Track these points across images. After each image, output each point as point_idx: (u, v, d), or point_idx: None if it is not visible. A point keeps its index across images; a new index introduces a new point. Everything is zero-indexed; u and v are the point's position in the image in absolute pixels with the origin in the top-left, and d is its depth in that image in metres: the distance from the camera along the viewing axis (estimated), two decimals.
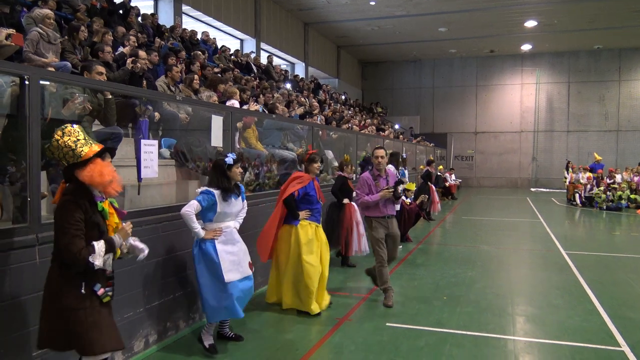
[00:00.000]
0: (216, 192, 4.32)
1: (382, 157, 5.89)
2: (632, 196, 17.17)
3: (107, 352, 2.93)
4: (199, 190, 4.36)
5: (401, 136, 21.31)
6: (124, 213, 3.30)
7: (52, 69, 5.33)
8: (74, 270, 2.84)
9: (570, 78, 26.00)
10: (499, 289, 6.65)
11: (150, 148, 4.37)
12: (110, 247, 2.93)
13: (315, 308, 5.51)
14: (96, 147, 2.95)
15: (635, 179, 18.05)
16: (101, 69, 4.70)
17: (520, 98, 26.87)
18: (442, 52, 26.46)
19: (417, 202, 10.38)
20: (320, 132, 10.47)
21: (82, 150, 2.90)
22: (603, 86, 25.42)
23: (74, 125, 3.01)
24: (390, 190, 5.79)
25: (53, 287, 2.88)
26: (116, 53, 7.89)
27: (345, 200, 7.62)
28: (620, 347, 4.65)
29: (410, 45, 25.03)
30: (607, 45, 24.52)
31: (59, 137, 2.92)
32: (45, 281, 2.92)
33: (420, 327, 5.16)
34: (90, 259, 2.80)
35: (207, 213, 4.33)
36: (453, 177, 21.56)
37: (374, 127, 16.65)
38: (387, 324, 5.23)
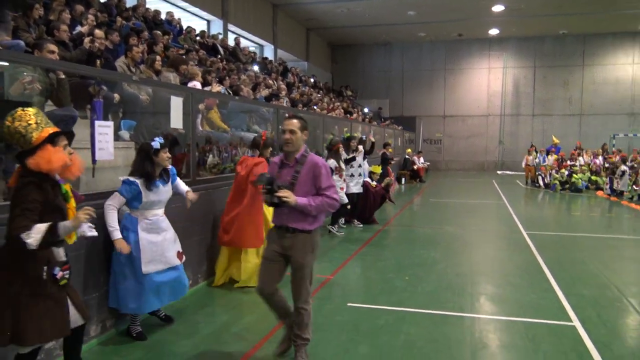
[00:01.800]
0: (139, 182, 4.12)
1: (291, 131, 3.71)
2: (593, 178, 17.68)
3: (48, 341, 2.94)
4: (121, 178, 4.15)
5: (367, 119, 21.36)
6: (81, 198, 3.23)
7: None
8: (22, 252, 2.75)
9: (536, 62, 26.42)
10: (460, 269, 6.79)
11: (104, 129, 4.26)
12: (53, 232, 2.79)
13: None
14: (45, 133, 2.85)
15: (597, 161, 18.58)
16: (52, 47, 4.54)
17: (488, 82, 27.20)
18: (411, 35, 26.51)
19: (383, 184, 10.47)
20: (287, 115, 10.41)
21: (32, 136, 2.81)
22: (567, 71, 25.93)
23: (27, 109, 2.91)
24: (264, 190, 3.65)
25: (12, 271, 2.81)
26: (74, 32, 7.68)
27: None
28: (572, 322, 4.81)
29: (380, 29, 24.99)
30: (572, 31, 24.95)
31: (10, 123, 2.84)
32: None
33: (381, 307, 5.23)
34: (22, 236, 2.68)
35: (132, 202, 4.16)
36: (421, 160, 21.79)
37: (342, 110, 16.63)
38: (348, 304, 5.29)
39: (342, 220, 9.51)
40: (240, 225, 5.68)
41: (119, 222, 4.17)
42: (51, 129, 2.91)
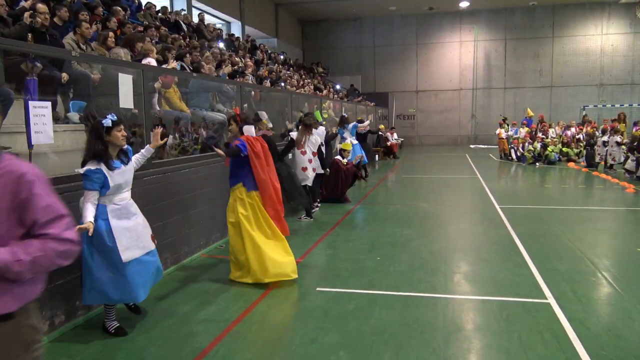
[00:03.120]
0: (100, 167, 3.78)
1: None
2: (564, 149, 17.75)
3: None
4: (80, 171, 3.76)
5: (339, 95, 21.03)
6: None
7: None
8: None
9: (507, 35, 26.29)
10: (433, 247, 6.61)
11: (41, 110, 3.87)
12: None
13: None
14: None
15: (568, 133, 18.65)
16: None
17: (459, 56, 27.02)
18: (381, 9, 26.06)
19: (354, 161, 10.22)
20: (253, 93, 10.03)
21: None
22: (537, 43, 25.88)
23: None
24: None
25: None
26: (16, 7, 7.14)
27: None
28: (547, 299, 4.67)
29: (349, 3, 24.47)
30: (542, 2, 24.85)
31: None
32: None
33: (351, 290, 5.01)
34: None
35: (101, 189, 3.83)
36: (395, 136, 21.60)
37: (311, 87, 16.25)
38: (318, 289, 5.05)
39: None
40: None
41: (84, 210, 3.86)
42: None
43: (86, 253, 3.84)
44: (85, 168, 3.77)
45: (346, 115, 13.05)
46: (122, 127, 3.93)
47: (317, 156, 8.65)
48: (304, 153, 8.42)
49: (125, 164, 4.05)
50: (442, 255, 6.21)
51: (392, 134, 21.29)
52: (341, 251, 6.52)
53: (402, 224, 8.01)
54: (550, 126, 19.22)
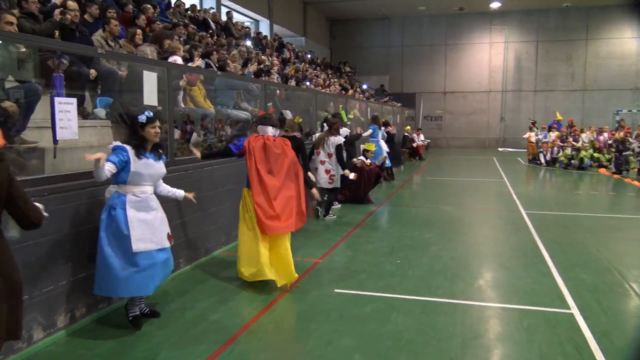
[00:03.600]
0: (129, 149, 3.91)
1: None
2: (596, 155, 17.31)
3: None
4: (111, 146, 3.92)
5: (367, 95, 20.94)
6: None
7: None
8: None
9: (539, 37, 25.80)
10: (454, 252, 6.51)
11: (66, 106, 3.94)
12: None
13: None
14: None
15: (601, 138, 18.18)
16: (11, 18, 4.20)
17: (489, 57, 26.62)
18: (411, 9, 25.85)
19: (377, 162, 10.15)
20: (278, 92, 10.05)
21: None
22: (570, 45, 25.31)
23: None
24: None
25: None
26: (49, 4, 7.29)
27: None
28: (570, 309, 4.54)
29: (379, 2, 24.34)
30: (576, 4, 24.29)
31: None
32: None
33: (368, 293, 4.96)
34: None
35: (120, 173, 3.90)
36: (421, 137, 21.43)
37: (337, 87, 16.22)
38: (335, 291, 5.03)
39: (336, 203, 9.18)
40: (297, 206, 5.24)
41: (107, 200, 4.01)
42: None
43: (103, 240, 3.89)
44: (117, 143, 3.93)
45: (376, 115, 12.98)
46: (156, 123, 4.04)
47: (332, 158, 8.45)
48: (317, 153, 8.37)
49: (157, 159, 4.13)
50: (463, 261, 6.11)
51: (418, 135, 21.11)
52: (361, 253, 6.48)
53: (424, 227, 7.92)
54: (582, 131, 18.76)
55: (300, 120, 7.97)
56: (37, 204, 2.77)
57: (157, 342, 3.92)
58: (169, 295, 4.86)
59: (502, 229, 7.97)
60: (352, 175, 8.30)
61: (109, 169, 3.79)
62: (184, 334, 4.05)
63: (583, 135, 18.31)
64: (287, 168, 5.12)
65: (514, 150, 24.75)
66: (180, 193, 4.57)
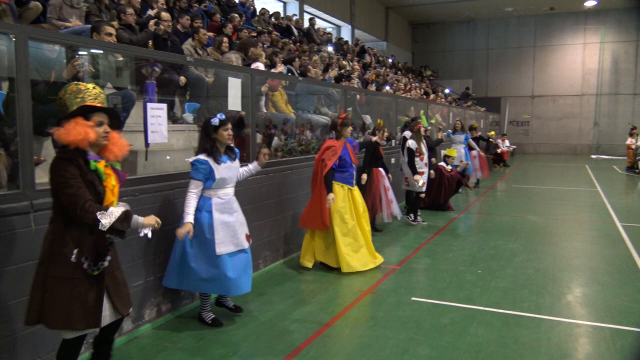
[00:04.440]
0: (207, 158, 4.02)
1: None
2: None
3: (77, 330, 2.78)
4: (189, 160, 4.05)
5: (449, 99, 20.44)
6: (125, 175, 3.08)
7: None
8: (83, 222, 2.68)
9: (639, 36, 23.97)
10: (540, 264, 6.19)
11: (157, 112, 4.17)
12: (125, 219, 2.77)
13: (347, 267, 5.69)
14: (81, 103, 2.76)
15: None
16: (110, 29, 4.50)
17: (582, 59, 25.11)
18: (497, 10, 24.97)
19: (459, 168, 9.87)
20: (358, 96, 10.06)
21: (72, 107, 2.75)
22: None
23: (81, 84, 2.85)
24: None
25: (44, 251, 2.75)
26: (144, 16, 7.77)
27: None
28: None
29: (463, 5, 23.76)
30: None
31: (62, 95, 2.81)
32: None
33: (447, 303, 4.83)
34: (98, 215, 2.65)
35: (206, 181, 4.06)
36: (507, 143, 20.60)
37: (418, 91, 15.98)
38: (412, 299, 4.94)
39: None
40: (308, 206, 5.87)
41: None
42: (90, 104, 2.78)
43: (186, 240, 4.04)
44: (194, 158, 4.06)
45: (457, 120, 12.62)
46: (228, 126, 4.15)
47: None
48: (422, 158, 8.26)
49: (232, 160, 4.25)
50: (550, 274, 5.79)
51: (503, 141, 20.31)
52: (440, 261, 6.32)
53: (508, 236, 7.59)
54: None
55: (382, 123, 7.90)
56: (121, 203, 2.92)
57: (235, 340, 4.04)
58: (247, 295, 4.98)
59: (594, 241, 7.47)
60: (420, 182, 8.11)
61: (195, 187, 4.01)
62: (261, 334, 4.14)
63: None
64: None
65: (609, 157, 23.15)
66: (254, 165, 4.64)
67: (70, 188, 2.64)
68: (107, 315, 2.87)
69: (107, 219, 2.67)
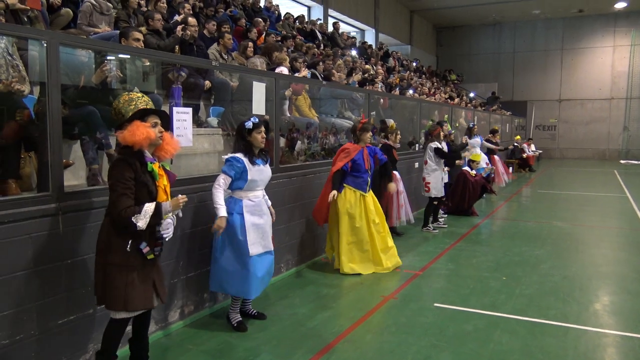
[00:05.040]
0: (244, 158, 4.09)
1: None
2: None
3: (135, 311, 3.09)
4: (225, 157, 4.14)
5: (474, 103, 20.23)
6: (174, 176, 3.37)
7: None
8: (119, 227, 2.96)
9: None
10: (567, 271, 6.07)
11: (183, 116, 4.23)
12: (157, 213, 2.99)
13: (347, 269, 5.80)
14: (135, 110, 3.04)
15: None
16: (138, 35, 4.59)
17: (612, 62, 24.59)
18: (524, 13, 24.63)
19: (484, 173, 9.76)
20: (382, 100, 10.04)
21: (127, 114, 3.03)
22: None
23: (132, 93, 3.19)
24: None
25: (102, 242, 3.04)
26: (171, 21, 7.89)
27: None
28: None
29: (488, 7, 23.50)
30: None
31: (117, 104, 3.10)
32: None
33: (470, 310, 4.77)
34: (133, 219, 2.90)
35: (238, 181, 4.11)
36: (532, 147, 20.29)
37: (442, 95, 15.86)
38: (435, 305, 4.89)
39: (442, 211, 8.94)
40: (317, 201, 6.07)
41: None
42: (145, 108, 3.08)
43: (219, 241, 4.15)
44: (230, 155, 4.15)
45: (472, 125, 12.40)
46: (262, 129, 4.22)
47: (427, 165, 8.17)
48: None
49: (265, 163, 4.30)
50: (577, 281, 5.68)
51: (529, 145, 20.01)
52: (464, 267, 6.26)
53: (533, 242, 7.47)
54: None
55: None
56: (147, 204, 3.04)
57: (257, 343, 4.06)
58: (269, 298, 5.01)
59: (623, 248, 7.30)
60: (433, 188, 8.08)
61: (224, 182, 4.05)
62: (283, 338, 4.16)
63: None
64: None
65: (639, 162, 22.60)
66: (268, 202, 4.58)
67: (115, 192, 2.94)
68: (153, 299, 3.21)
69: (143, 220, 2.93)
